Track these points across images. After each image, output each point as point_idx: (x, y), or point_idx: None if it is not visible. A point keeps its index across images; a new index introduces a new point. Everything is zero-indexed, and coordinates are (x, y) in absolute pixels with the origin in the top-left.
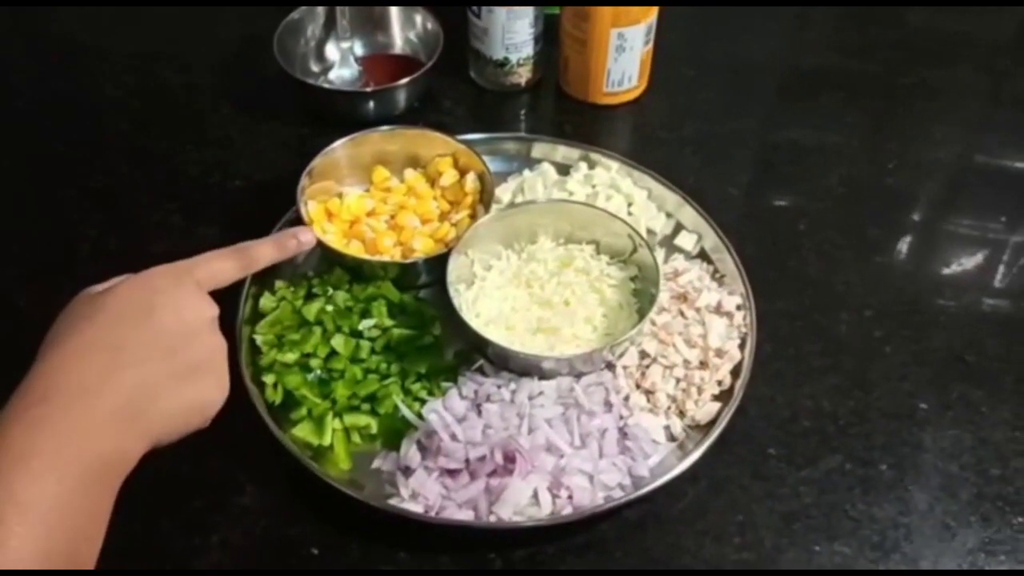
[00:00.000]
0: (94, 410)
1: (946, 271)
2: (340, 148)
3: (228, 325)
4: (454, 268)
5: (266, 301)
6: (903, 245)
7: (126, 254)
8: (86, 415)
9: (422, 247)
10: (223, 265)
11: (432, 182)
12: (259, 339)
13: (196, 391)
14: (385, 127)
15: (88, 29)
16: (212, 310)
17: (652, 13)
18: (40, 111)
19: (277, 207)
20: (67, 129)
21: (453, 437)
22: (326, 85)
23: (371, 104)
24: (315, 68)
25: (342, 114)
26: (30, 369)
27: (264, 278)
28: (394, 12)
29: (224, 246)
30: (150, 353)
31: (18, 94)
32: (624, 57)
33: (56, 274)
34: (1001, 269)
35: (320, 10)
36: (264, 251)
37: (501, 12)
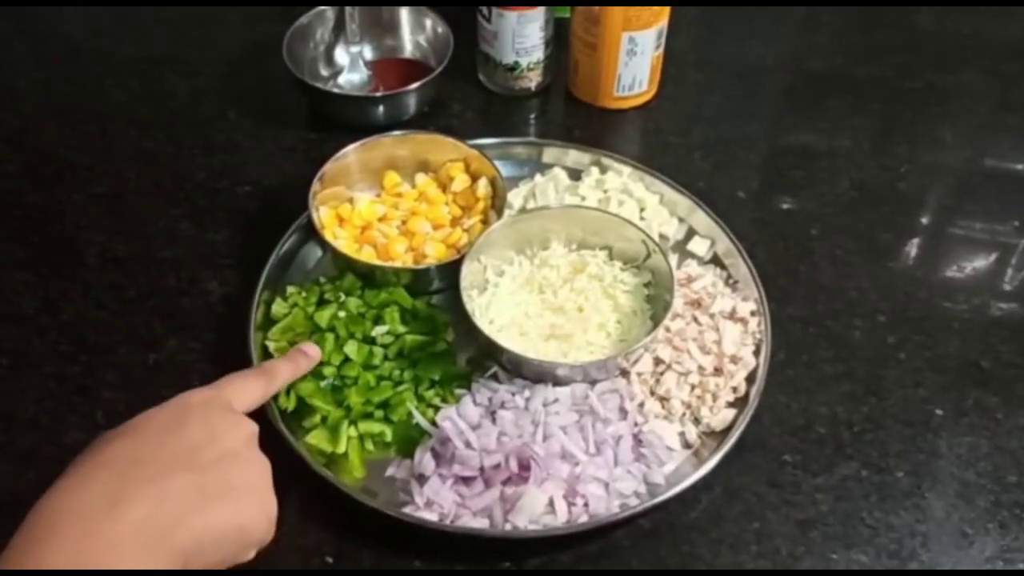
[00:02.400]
0: (110, 528)
1: (959, 276)
2: (351, 153)
3: (240, 331)
4: (467, 274)
5: (278, 307)
6: (915, 250)
7: (134, 260)
8: (101, 534)
9: (434, 253)
10: (251, 385)
11: (443, 187)
12: (271, 345)
13: (232, 512)
14: (397, 132)
15: (95, 34)
16: (250, 427)
17: (663, 17)
18: (46, 116)
19: (286, 213)
20: (73, 134)
21: (467, 444)
22: (335, 90)
23: (381, 109)
24: (324, 73)
25: (351, 119)
26: (47, 491)
27: (276, 284)
28: (404, 16)
29: (232, 252)
30: (176, 468)
31: (24, 99)
32: (635, 61)
33: (63, 280)
34: (1014, 273)
35: (329, 14)
36: (283, 369)
37: (511, 16)
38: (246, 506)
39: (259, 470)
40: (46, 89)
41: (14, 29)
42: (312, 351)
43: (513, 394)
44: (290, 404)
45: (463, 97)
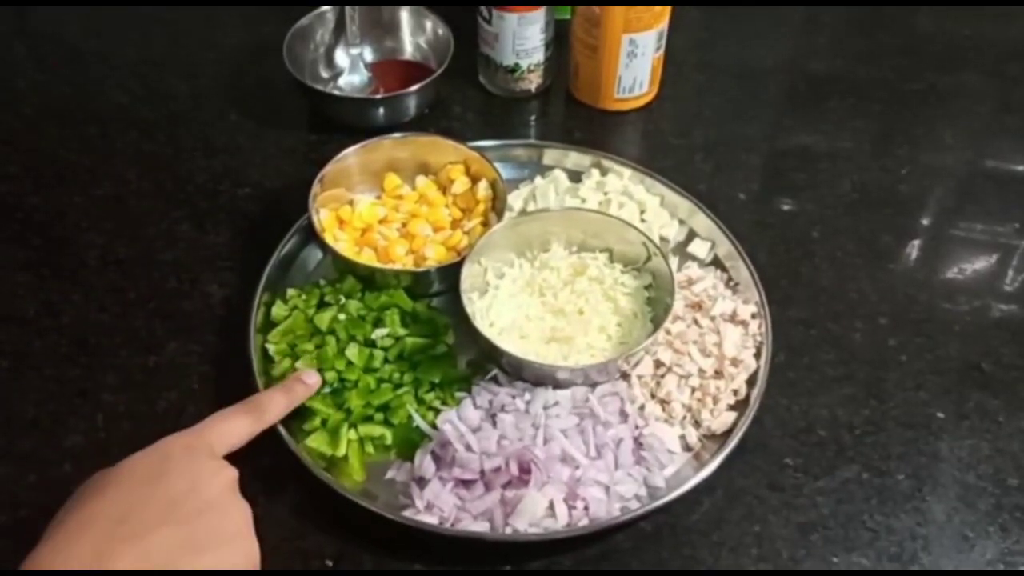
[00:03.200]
0: None
1: (960, 278)
2: (352, 155)
3: (241, 333)
4: (467, 276)
5: (278, 310)
6: (916, 252)
7: (134, 263)
8: None
9: (435, 255)
10: (235, 424)
11: (444, 189)
12: (271, 348)
13: (215, 561)
14: (397, 134)
15: (95, 35)
16: (230, 474)
17: (664, 19)
18: (47, 118)
19: (287, 215)
20: (74, 136)
21: (468, 447)
22: (336, 92)
23: (381, 111)
24: (325, 74)
25: (352, 121)
26: (31, 552)
27: (276, 286)
28: (404, 18)
29: (232, 254)
30: (159, 523)
31: (25, 100)
32: (635, 63)
33: (64, 282)
34: (1014, 275)
35: (330, 16)
36: (275, 402)
37: (512, 18)
38: (229, 554)
39: (240, 517)
40: (47, 91)
41: (14, 30)
42: (311, 379)
43: (513, 397)
44: None
45: (463, 99)
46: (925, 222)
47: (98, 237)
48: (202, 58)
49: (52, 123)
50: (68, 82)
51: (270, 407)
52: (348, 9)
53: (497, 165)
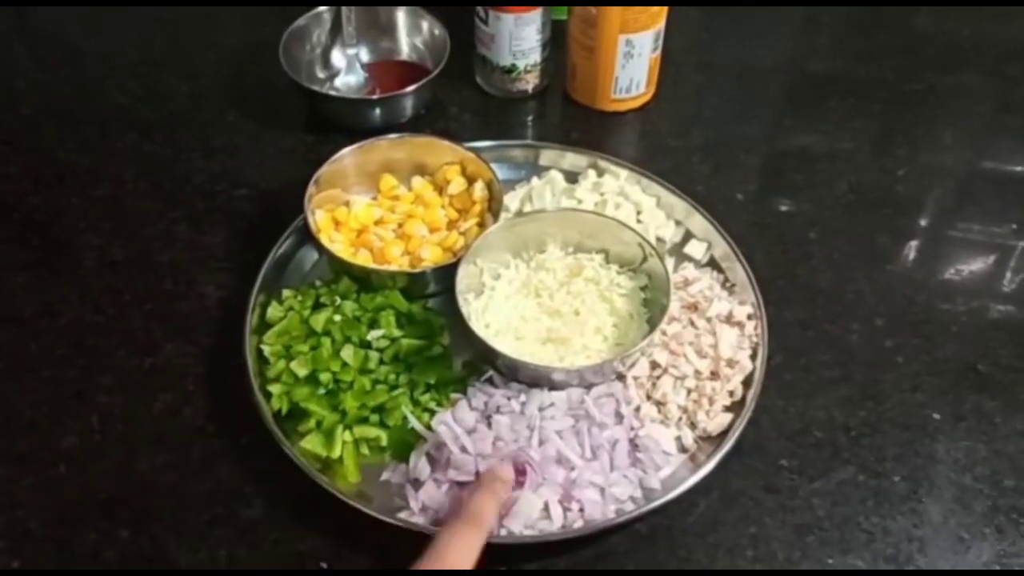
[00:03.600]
0: None
1: (957, 279)
2: (348, 156)
3: (236, 334)
4: (463, 277)
5: (273, 311)
6: (913, 253)
7: (131, 264)
8: None
9: (430, 256)
10: (472, 543)
11: (440, 190)
12: (266, 349)
13: None
14: (393, 135)
15: (95, 35)
16: None
17: (660, 19)
18: (47, 118)
19: (283, 215)
20: (73, 136)
21: (463, 449)
22: (332, 92)
23: (377, 111)
24: (321, 75)
25: (348, 121)
26: None
27: (272, 287)
28: (400, 18)
29: (229, 255)
30: None
31: (25, 100)
32: (632, 64)
33: (61, 283)
34: (1012, 276)
35: (326, 16)
36: (489, 508)
37: (508, 18)
38: None
39: None
40: (47, 91)
41: (15, 30)
42: (505, 474)
43: (509, 398)
44: (284, 405)
45: (460, 99)
46: (923, 223)
47: (96, 238)
48: (201, 58)
49: (52, 123)
50: (68, 82)
51: (487, 516)
52: (344, 9)
53: (493, 166)
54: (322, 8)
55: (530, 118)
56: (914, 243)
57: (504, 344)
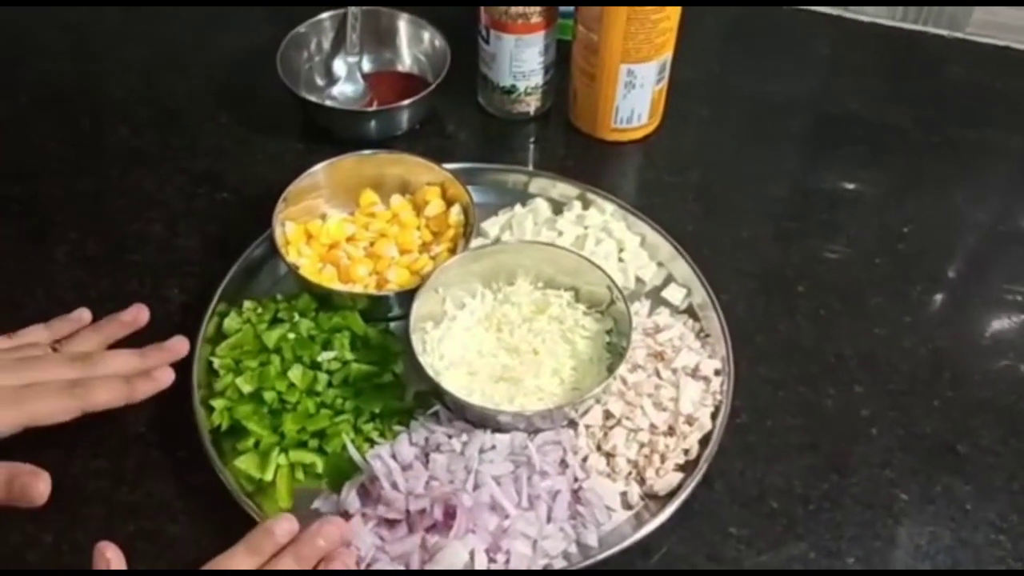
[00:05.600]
0: None
1: (948, 351)
2: (320, 172)
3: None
4: (420, 305)
5: (230, 321)
6: (906, 318)
7: (102, 261)
8: None
9: (396, 279)
10: None
11: (419, 210)
12: (216, 362)
13: None
14: (367, 151)
15: (101, 29)
16: None
17: (665, 50)
18: (42, 108)
19: (260, 223)
20: (65, 129)
21: (394, 486)
22: (328, 102)
23: (372, 123)
24: (320, 82)
25: (342, 132)
26: None
27: (236, 296)
28: (402, 28)
29: (199, 260)
30: None
31: (22, 89)
32: (634, 94)
33: (29, 277)
34: (1007, 351)
35: (327, 24)
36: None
37: (510, 39)
38: None
39: None
40: (47, 81)
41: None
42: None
43: (450, 437)
44: (224, 421)
45: (459, 117)
46: (919, 287)
47: (71, 232)
48: (202, 59)
49: (46, 114)
50: (68, 73)
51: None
52: (351, 16)
53: (482, 189)
54: (323, 15)
55: (529, 141)
56: (907, 309)
57: (455, 378)
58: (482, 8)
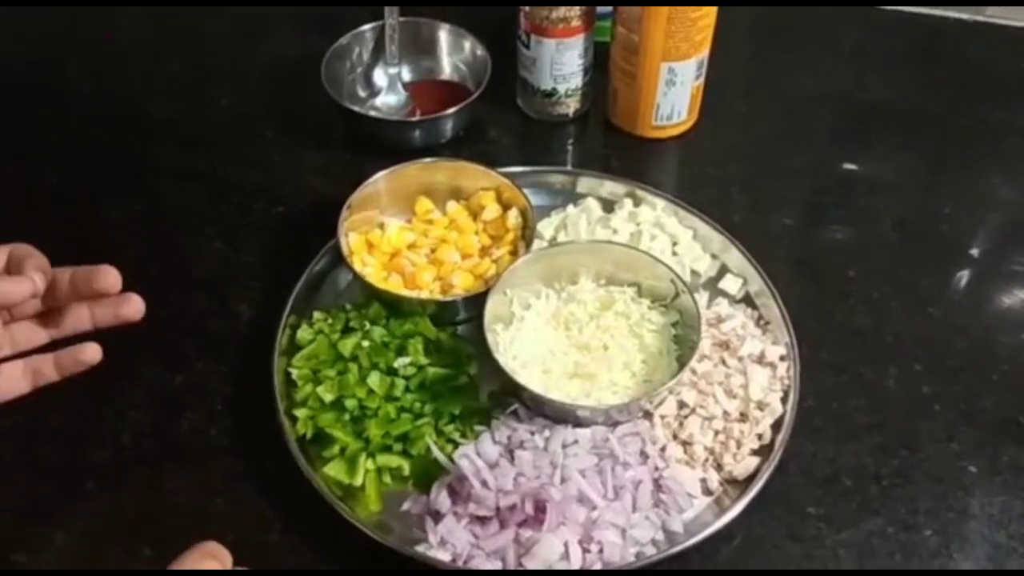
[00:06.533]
0: None
1: (1002, 326)
2: (381, 180)
3: (266, 355)
4: (492, 307)
5: (303, 333)
6: (957, 296)
7: (167, 279)
8: None
9: (461, 283)
10: None
11: (475, 215)
12: (294, 372)
13: None
14: (427, 159)
15: (144, 45)
16: None
17: (704, 48)
18: (91, 127)
19: (318, 235)
20: (116, 148)
21: (484, 484)
22: (372, 112)
23: (417, 133)
24: (362, 94)
25: (387, 142)
26: None
27: (304, 307)
28: (443, 37)
29: (262, 274)
30: None
31: (72, 108)
32: (674, 91)
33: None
34: None
35: (369, 35)
36: None
37: (550, 43)
38: None
39: None
40: (95, 100)
41: (66, 34)
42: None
43: (532, 433)
44: (309, 430)
45: (501, 122)
46: (967, 265)
47: (132, 251)
48: (245, 72)
49: (96, 133)
50: (115, 91)
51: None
52: (388, 27)
53: (530, 191)
54: (365, 27)
55: (570, 142)
56: (958, 287)
57: (531, 377)
58: (522, 14)
